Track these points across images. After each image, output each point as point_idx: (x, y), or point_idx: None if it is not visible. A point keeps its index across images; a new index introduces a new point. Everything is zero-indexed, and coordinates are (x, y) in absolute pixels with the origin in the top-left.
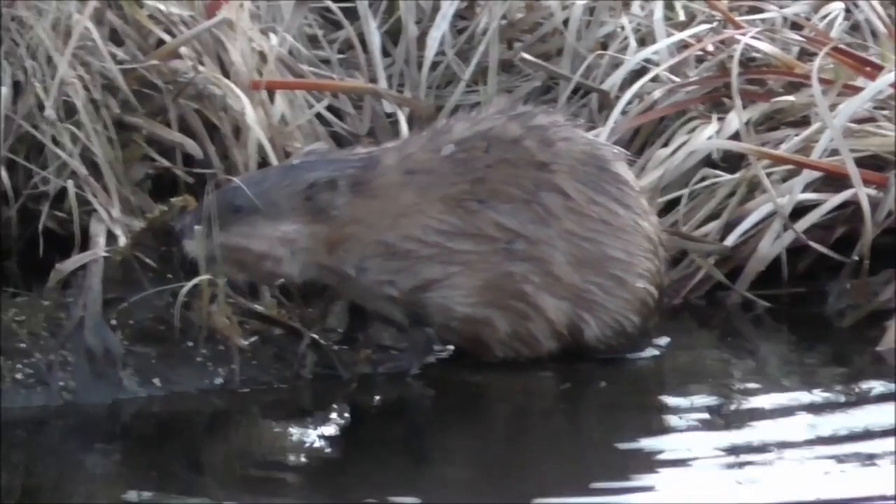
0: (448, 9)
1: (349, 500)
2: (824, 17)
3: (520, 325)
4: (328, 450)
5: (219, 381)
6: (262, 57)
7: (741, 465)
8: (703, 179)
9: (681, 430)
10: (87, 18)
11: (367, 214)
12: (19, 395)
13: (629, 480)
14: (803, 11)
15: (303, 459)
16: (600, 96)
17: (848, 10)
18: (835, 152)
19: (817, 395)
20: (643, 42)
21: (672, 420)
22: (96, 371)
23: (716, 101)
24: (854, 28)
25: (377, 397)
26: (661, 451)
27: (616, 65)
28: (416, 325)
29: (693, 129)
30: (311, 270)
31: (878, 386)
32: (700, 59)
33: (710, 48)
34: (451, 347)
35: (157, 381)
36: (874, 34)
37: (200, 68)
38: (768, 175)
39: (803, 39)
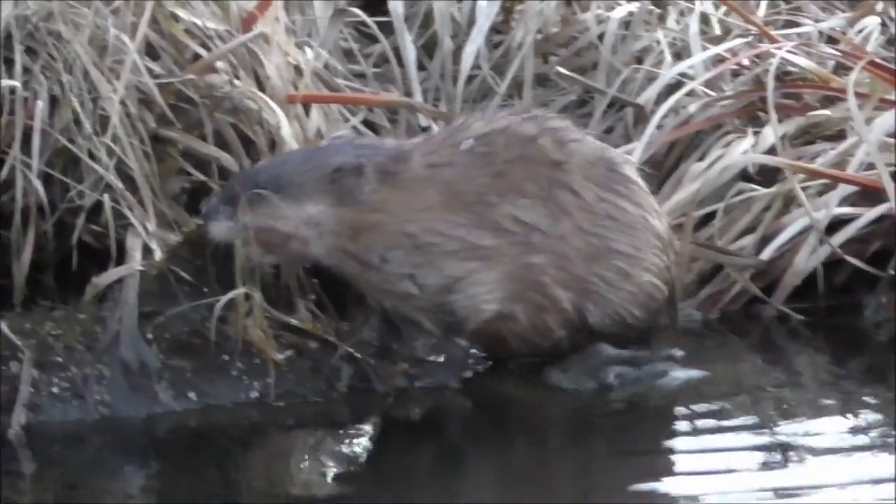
0: (484, 23)
1: None
2: (860, 31)
3: (538, 316)
4: (363, 464)
5: (254, 395)
6: (298, 71)
7: (776, 463)
8: (738, 193)
9: (722, 450)
10: (123, 33)
11: (392, 205)
12: (55, 408)
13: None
14: (839, 25)
15: (338, 473)
16: (636, 110)
17: (884, 24)
18: (871, 166)
19: (856, 412)
20: (679, 56)
21: (710, 435)
22: (132, 385)
23: (751, 116)
24: (890, 42)
25: (414, 411)
26: (700, 462)
27: (651, 79)
28: (449, 336)
29: (729, 144)
30: (336, 255)
31: None
32: (736, 74)
33: (746, 62)
34: (490, 362)
35: (192, 394)
36: None
37: (236, 82)
38: (804, 189)
39: (839, 53)
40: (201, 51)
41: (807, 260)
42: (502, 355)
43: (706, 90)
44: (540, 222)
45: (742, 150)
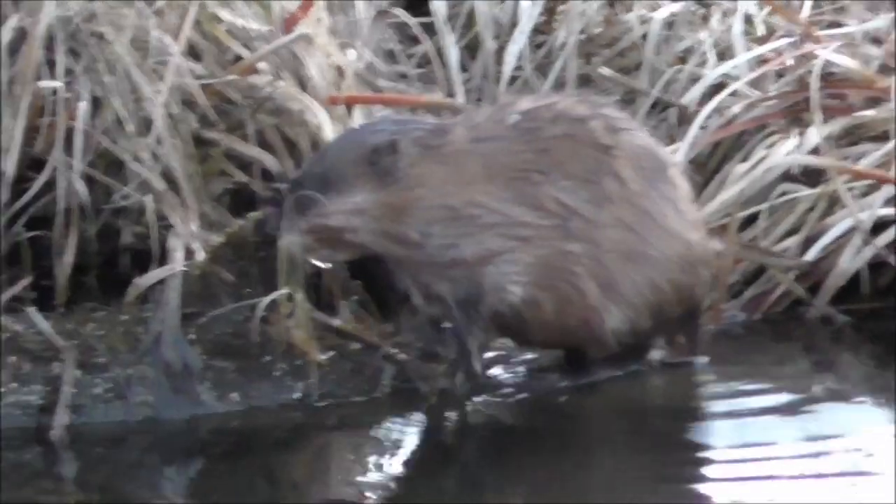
0: (526, 23)
1: None
2: None
3: (562, 308)
4: (406, 464)
5: (297, 396)
6: (340, 72)
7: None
8: (782, 194)
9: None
10: (166, 34)
11: (432, 178)
12: (98, 409)
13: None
14: (883, 26)
15: (381, 474)
16: (679, 111)
17: None
18: None
19: None
20: (722, 57)
21: (752, 435)
22: (175, 386)
23: (795, 116)
24: None
25: (456, 412)
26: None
27: (695, 79)
28: (464, 308)
29: (772, 144)
30: (380, 240)
31: None
32: (779, 74)
33: (790, 62)
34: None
35: (235, 395)
36: None
37: (279, 83)
38: (848, 190)
39: (883, 54)
40: (244, 52)
41: (851, 261)
42: (525, 344)
43: (750, 90)
44: (581, 207)
45: (786, 151)
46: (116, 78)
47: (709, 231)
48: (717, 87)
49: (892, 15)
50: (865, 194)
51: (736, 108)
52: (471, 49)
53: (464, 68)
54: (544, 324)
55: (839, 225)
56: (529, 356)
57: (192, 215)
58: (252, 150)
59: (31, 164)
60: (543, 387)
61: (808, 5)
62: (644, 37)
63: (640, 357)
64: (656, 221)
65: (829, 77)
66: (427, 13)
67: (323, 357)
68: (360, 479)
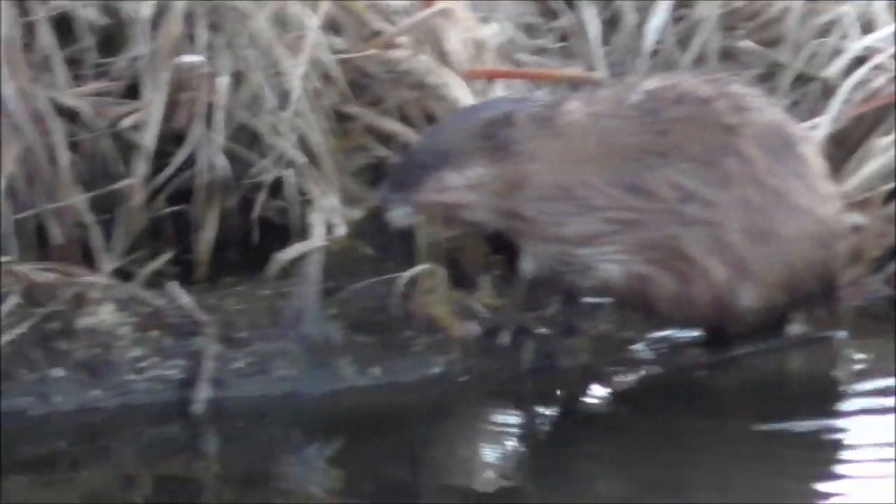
0: None
1: (563, 499)
2: None
3: (685, 285)
4: (547, 441)
5: (437, 371)
6: (480, 46)
7: None
8: None
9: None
10: (305, 8)
11: (547, 154)
12: (239, 384)
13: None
14: None
15: (523, 451)
16: (822, 85)
17: None
18: None
19: None
20: (866, 29)
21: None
22: (316, 361)
23: None
24: None
25: (597, 387)
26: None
27: (838, 52)
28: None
29: None
30: (496, 216)
31: None
32: None
33: None
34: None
35: (376, 370)
36: None
37: (419, 58)
38: None
39: None
40: (384, 26)
41: None
42: (654, 319)
43: (893, 63)
44: (699, 190)
45: None
46: (256, 52)
47: (851, 205)
48: (860, 60)
49: None
50: None
51: (879, 82)
52: (612, 23)
53: (605, 42)
54: (671, 300)
55: None
56: (670, 332)
57: (333, 189)
58: (393, 125)
59: (172, 138)
60: (684, 362)
61: None
62: (786, 10)
63: (778, 332)
64: (785, 199)
65: None
66: None
67: (464, 332)
68: (501, 455)
